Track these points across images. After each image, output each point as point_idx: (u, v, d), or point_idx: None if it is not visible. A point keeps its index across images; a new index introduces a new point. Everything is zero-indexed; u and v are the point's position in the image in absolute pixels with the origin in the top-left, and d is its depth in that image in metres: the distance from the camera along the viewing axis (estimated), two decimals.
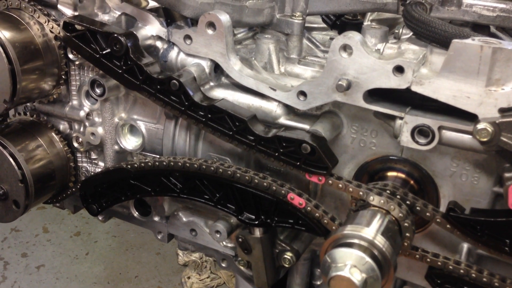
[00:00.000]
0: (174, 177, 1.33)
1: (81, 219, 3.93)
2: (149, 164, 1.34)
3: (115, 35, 1.28)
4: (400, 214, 1.11)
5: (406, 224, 1.11)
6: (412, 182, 1.24)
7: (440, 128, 1.09)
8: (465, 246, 1.21)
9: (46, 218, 3.96)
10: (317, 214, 1.18)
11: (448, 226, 1.11)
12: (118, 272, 3.46)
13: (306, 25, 1.46)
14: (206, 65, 1.34)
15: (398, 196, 1.14)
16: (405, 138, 1.12)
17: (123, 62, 1.31)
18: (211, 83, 1.36)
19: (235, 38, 1.43)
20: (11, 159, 1.46)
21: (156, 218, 1.58)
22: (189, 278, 3.42)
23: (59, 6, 1.42)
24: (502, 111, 1.00)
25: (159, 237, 1.63)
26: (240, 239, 1.33)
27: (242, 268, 1.43)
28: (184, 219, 1.56)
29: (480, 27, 1.32)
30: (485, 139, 1.00)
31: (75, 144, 1.57)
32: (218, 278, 3.50)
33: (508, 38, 1.43)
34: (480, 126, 1.00)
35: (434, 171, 1.21)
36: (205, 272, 3.50)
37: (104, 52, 1.32)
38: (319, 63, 1.36)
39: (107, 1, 1.41)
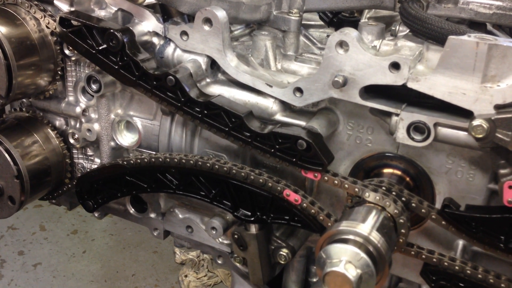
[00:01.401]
0: (170, 174, 1.33)
1: (78, 217, 3.92)
2: (145, 160, 1.34)
3: (111, 30, 1.28)
4: (395, 211, 1.11)
5: (401, 221, 1.11)
6: (408, 179, 1.24)
7: (436, 124, 1.09)
8: (461, 243, 1.21)
9: (43, 216, 3.95)
10: (312, 211, 1.18)
11: (443, 222, 1.11)
12: (115, 270, 3.46)
13: (303, 22, 1.46)
14: (202, 61, 1.34)
15: (393, 193, 1.14)
16: (401, 135, 1.12)
17: (119, 58, 1.31)
18: (208, 79, 1.36)
19: (231, 35, 1.43)
20: (6, 155, 1.46)
21: (152, 215, 1.59)
22: (186, 276, 3.42)
23: (55, 2, 1.42)
24: (498, 107, 1.00)
25: (155, 234, 1.63)
26: (235, 236, 1.33)
27: (237, 264, 1.43)
28: (180, 215, 1.56)
29: (476, 25, 1.32)
30: (480, 136, 1.00)
31: (71, 141, 1.57)
32: (215, 276, 3.50)
33: (504, 36, 1.44)
34: (475, 122, 1.00)
35: (429, 168, 1.21)
36: (202, 271, 3.50)
37: (100, 48, 1.32)
38: (315, 60, 1.36)
39: None
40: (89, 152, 1.60)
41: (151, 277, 3.42)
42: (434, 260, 1.13)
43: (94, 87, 1.43)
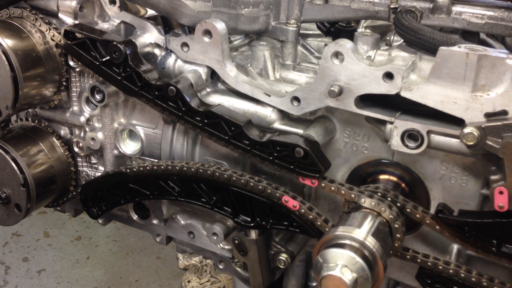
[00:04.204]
0: (172, 181, 1.36)
1: (82, 224, 3.96)
2: (148, 168, 1.37)
3: (114, 43, 1.32)
4: (390, 216, 1.14)
5: (396, 226, 1.14)
6: (403, 185, 1.27)
7: (429, 132, 1.12)
8: (455, 247, 1.24)
9: (47, 223, 3.98)
10: (310, 216, 1.21)
11: (437, 227, 1.14)
12: (118, 276, 3.48)
13: (301, 32, 1.49)
14: (202, 71, 1.37)
15: (389, 199, 1.17)
16: (395, 142, 1.15)
17: (122, 69, 1.34)
18: (208, 89, 1.39)
19: (231, 45, 1.46)
20: (13, 164, 1.49)
21: (155, 221, 1.61)
22: (189, 282, 3.45)
23: (60, 15, 1.46)
24: (488, 115, 1.03)
25: (157, 240, 1.66)
26: (236, 241, 1.35)
27: (238, 269, 1.46)
28: (182, 222, 1.59)
29: (469, 34, 1.36)
30: (471, 143, 1.03)
31: (76, 149, 1.60)
32: (218, 282, 3.52)
33: (497, 45, 1.47)
34: (466, 130, 1.03)
35: (424, 174, 1.24)
36: (205, 276, 3.52)
37: (103, 60, 1.36)
38: (313, 69, 1.39)
39: (106, 10, 1.45)
40: (93, 160, 1.64)
41: (155, 283, 3.45)
42: (429, 264, 1.16)
43: (97, 97, 1.46)
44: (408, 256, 1.17)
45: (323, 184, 1.21)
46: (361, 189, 1.20)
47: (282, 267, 1.36)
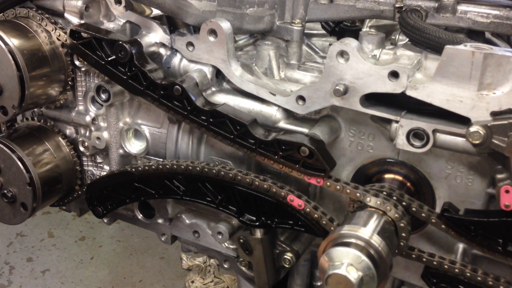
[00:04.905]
0: (177, 180, 1.36)
1: (86, 224, 3.96)
2: (153, 167, 1.37)
3: (120, 42, 1.32)
4: (396, 215, 1.14)
5: (402, 225, 1.14)
6: (408, 184, 1.27)
7: (435, 131, 1.12)
8: (461, 246, 1.24)
9: (51, 223, 3.99)
10: (316, 215, 1.22)
11: (443, 226, 1.14)
12: (122, 277, 3.49)
13: (306, 31, 1.50)
14: (208, 71, 1.37)
15: (394, 198, 1.17)
16: (401, 141, 1.15)
17: (127, 69, 1.35)
18: (213, 88, 1.39)
19: (236, 45, 1.47)
20: (19, 163, 1.50)
21: (160, 220, 1.62)
22: (193, 282, 3.45)
23: (65, 15, 1.47)
24: (494, 114, 1.03)
25: (162, 239, 1.66)
26: (241, 240, 1.36)
27: (243, 268, 1.46)
28: (187, 221, 1.59)
29: (475, 33, 1.36)
30: (477, 142, 1.03)
31: (81, 148, 1.61)
32: (222, 282, 3.52)
33: (503, 44, 1.47)
34: (472, 129, 1.03)
35: (429, 173, 1.24)
36: (209, 276, 3.52)
37: (109, 59, 1.36)
38: (318, 69, 1.39)
39: (112, 9, 1.45)
40: (99, 160, 1.65)
41: (158, 283, 3.45)
42: (435, 263, 1.16)
43: (103, 96, 1.47)
44: (413, 255, 1.17)
45: (328, 183, 1.21)
46: (366, 188, 1.19)
47: (287, 266, 1.36)
